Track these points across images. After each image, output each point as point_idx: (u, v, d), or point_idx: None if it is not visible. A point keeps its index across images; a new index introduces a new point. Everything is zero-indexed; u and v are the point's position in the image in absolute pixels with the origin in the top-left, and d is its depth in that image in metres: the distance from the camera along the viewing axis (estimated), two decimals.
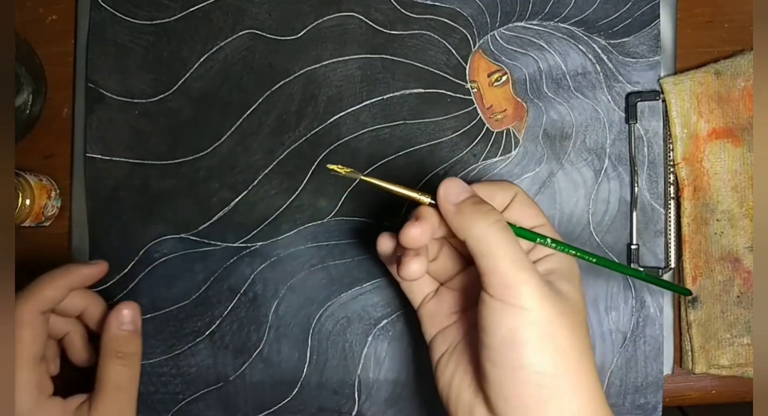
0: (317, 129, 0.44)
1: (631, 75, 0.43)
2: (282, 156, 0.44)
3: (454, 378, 0.33)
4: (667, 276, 0.43)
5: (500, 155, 0.43)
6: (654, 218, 0.43)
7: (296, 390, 0.43)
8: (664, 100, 0.43)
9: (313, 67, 0.44)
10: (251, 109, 0.44)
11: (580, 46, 0.43)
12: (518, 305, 0.29)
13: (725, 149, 0.42)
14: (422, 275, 0.32)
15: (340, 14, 0.44)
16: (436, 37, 0.44)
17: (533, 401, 0.29)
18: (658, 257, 0.43)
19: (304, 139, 0.44)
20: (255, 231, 0.44)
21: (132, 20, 0.44)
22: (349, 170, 0.33)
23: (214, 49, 0.44)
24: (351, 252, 0.43)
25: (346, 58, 0.44)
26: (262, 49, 0.44)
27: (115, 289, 0.44)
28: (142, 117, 0.44)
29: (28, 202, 0.41)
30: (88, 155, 0.44)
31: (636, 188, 0.43)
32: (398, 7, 0.44)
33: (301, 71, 0.44)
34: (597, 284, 0.43)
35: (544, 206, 0.43)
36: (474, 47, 0.44)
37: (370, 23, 0.44)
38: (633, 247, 0.43)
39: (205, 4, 0.44)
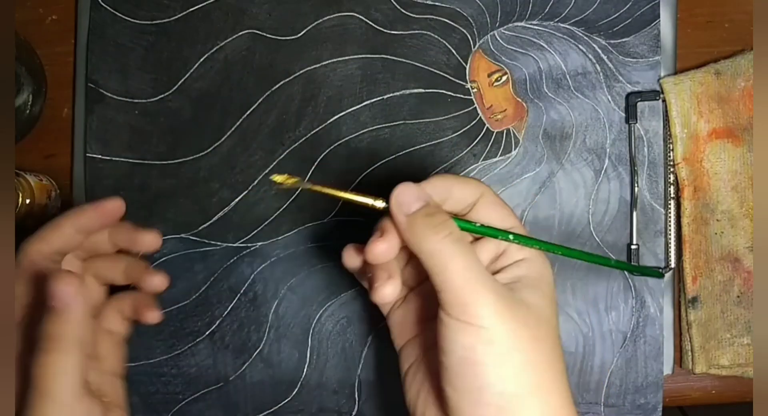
0: (317, 129, 0.44)
1: (631, 75, 0.43)
2: (282, 156, 0.44)
3: (420, 393, 0.32)
4: (667, 276, 0.43)
5: (500, 155, 0.43)
6: (654, 218, 0.43)
7: (296, 390, 0.43)
8: (664, 100, 0.43)
9: (313, 67, 0.44)
10: (251, 109, 0.44)
11: (580, 46, 0.43)
12: (475, 323, 0.27)
13: (725, 149, 0.42)
14: (397, 297, 0.30)
15: (340, 14, 0.44)
16: (436, 37, 0.44)
17: None
18: (658, 257, 0.43)
19: (304, 139, 0.44)
20: (255, 231, 0.44)
21: (132, 20, 0.44)
22: (293, 179, 0.31)
23: (214, 49, 0.44)
24: None
25: (346, 58, 0.44)
26: (262, 49, 0.44)
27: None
28: (142, 117, 0.44)
29: (28, 202, 0.41)
30: (88, 155, 0.44)
31: (636, 188, 0.43)
32: (398, 7, 0.44)
33: (301, 71, 0.44)
34: (597, 285, 0.43)
35: (544, 206, 0.43)
36: (474, 47, 0.44)
37: (370, 23, 0.44)
38: (633, 247, 0.43)
39: (205, 4, 0.44)
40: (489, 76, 0.44)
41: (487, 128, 0.44)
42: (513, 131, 0.44)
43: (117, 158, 0.44)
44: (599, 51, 0.43)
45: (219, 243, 0.44)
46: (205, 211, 0.44)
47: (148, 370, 0.43)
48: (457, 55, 0.44)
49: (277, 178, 0.31)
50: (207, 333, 0.44)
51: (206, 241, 0.44)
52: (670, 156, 0.43)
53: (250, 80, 0.44)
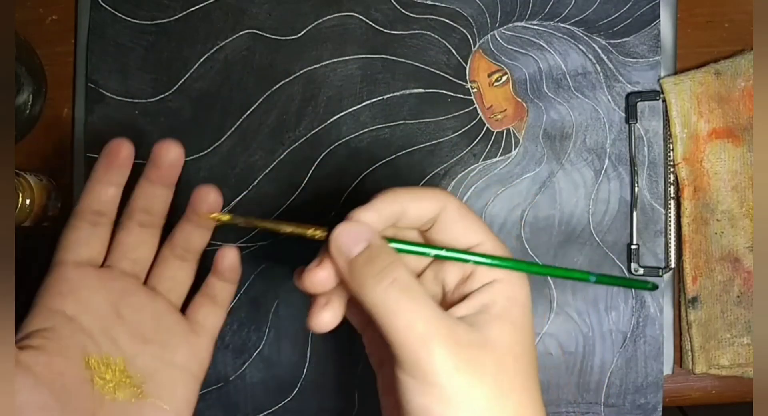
0: (317, 129, 0.44)
1: (631, 75, 0.43)
2: (282, 156, 0.44)
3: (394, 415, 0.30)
4: (667, 276, 0.43)
5: (500, 155, 0.43)
6: (654, 218, 0.43)
7: (296, 390, 0.43)
8: (664, 100, 0.43)
9: (313, 67, 0.44)
10: (251, 109, 0.44)
11: (580, 46, 0.43)
12: (428, 381, 0.25)
13: (725, 149, 0.42)
14: (336, 324, 0.28)
15: (340, 14, 0.44)
16: (436, 37, 0.44)
17: None
18: (658, 257, 0.43)
19: (304, 139, 0.44)
20: (255, 231, 0.44)
21: (132, 20, 0.44)
22: (227, 216, 0.33)
23: (214, 49, 0.44)
24: None
25: (346, 58, 0.44)
26: (262, 49, 0.44)
27: None
28: (142, 117, 0.44)
29: (28, 202, 0.41)
30: (88, 155, 0.44)
31: (636, 188, 0.43)
32: (398, 7, 0.44)
33: (301, 71, 0.44)
34: (598, 285, 0.43)
35: (544, 206, 0.43)
36: (474, 47, 0.44)
37: (370, 23, 0.44)
38: (633, 247, 0.43)
39: (205, 4, 0.44)
40: (489, 76, 0.44)
41: (487, 127, 0.44)
42: (513, 131, 0.44)
43: None
44: (599, 51, 0.43)
45: (219, 243, 0.44)
46: None
47: None
48: (457, 55, 0.44)
49: (215, 215, 0.35)
50: None
51: None
52: (670, 156, 0.43)
53: (250, 80, 0.44)
